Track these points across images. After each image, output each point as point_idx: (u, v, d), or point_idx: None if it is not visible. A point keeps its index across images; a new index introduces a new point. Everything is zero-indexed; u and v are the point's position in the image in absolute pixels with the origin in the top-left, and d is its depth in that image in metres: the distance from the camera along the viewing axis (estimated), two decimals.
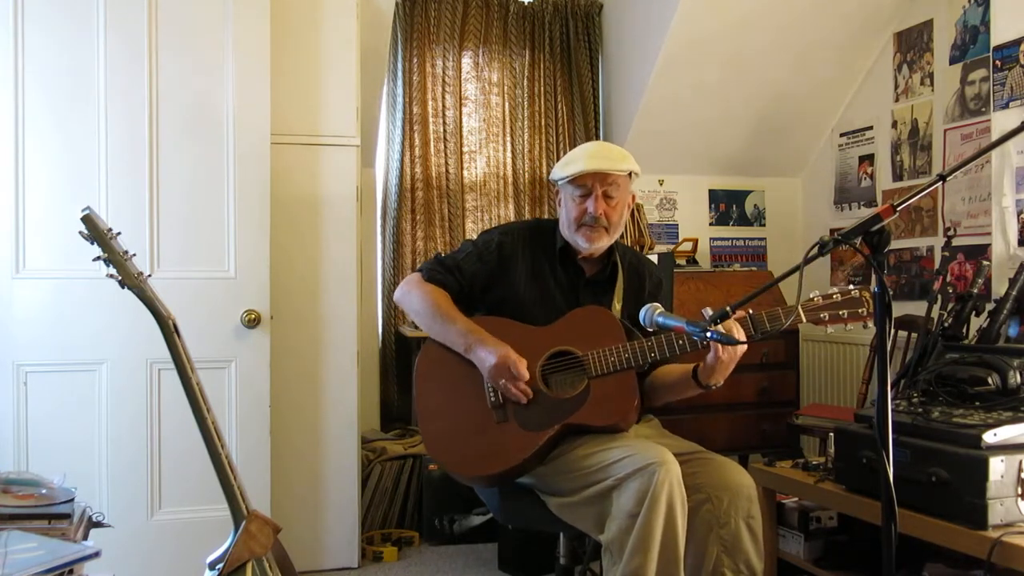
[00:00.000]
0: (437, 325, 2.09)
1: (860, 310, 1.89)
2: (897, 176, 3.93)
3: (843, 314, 1.88)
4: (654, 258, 3.47)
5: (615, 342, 2.01)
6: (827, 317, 1.89)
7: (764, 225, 4.62)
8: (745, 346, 1.86)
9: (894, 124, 3.94)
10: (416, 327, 3.57)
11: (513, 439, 1.97)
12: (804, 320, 1.89)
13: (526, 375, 1.98)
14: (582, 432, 1.99)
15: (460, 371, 2.06)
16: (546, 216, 4.29)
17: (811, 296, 1.92)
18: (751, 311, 1.89)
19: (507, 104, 4.31)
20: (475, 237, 2.29)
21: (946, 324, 2.58)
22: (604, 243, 2.13)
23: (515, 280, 2.16)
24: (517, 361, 1.97)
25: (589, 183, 2.08)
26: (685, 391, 2.08)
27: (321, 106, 3.25)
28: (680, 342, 1.94)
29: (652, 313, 1.78)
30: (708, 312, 1.78)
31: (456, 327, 2.05)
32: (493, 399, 2.02)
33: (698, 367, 2.00)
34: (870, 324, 1.81)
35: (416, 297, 2.13)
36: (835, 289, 1.92)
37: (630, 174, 2.14)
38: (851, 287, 1.91)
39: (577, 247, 2.15)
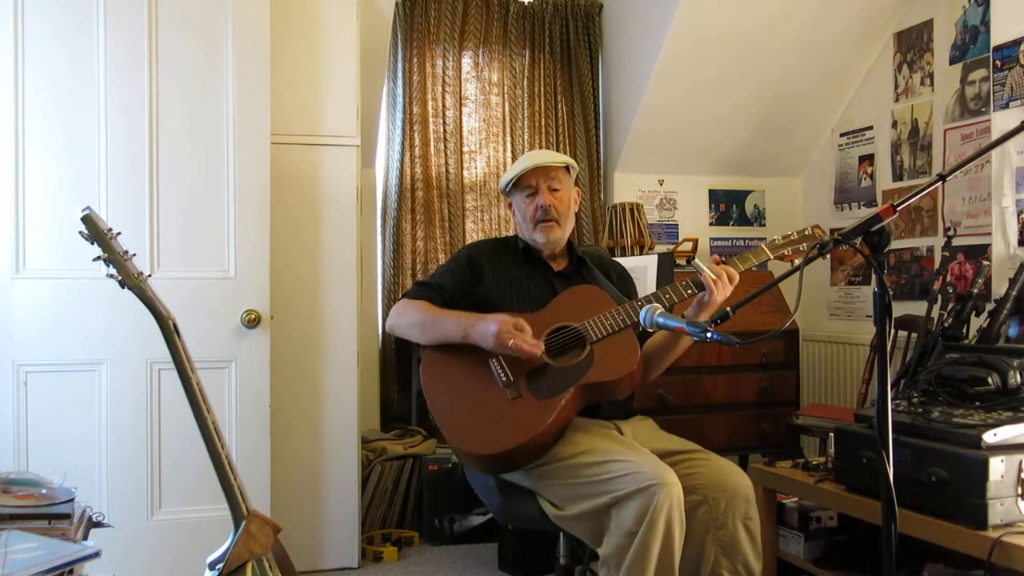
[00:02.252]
0: (431, 327, 2.14)
1: (816, 243, 2.01)
2: (897, 176, 3.93)
3: (802, 247, 2.10)
4: (654, 258, 3.48)
5: (607, 309, 2.08)
6: (790, 252, 2.11)
7: (764, 225, 4.62)
8: (732, 285, 2.04)
9: (894, 124, 3.94)
10: None
11: (531, 409, 1.99)
12: (771, 257, 2.11)
13: (528, 328, 2.02)
14: (598, 393, 2.05)
15: (464, 366, 2.09)
16: None
17: (772, 238, 2.16)
18: (724, 257, 2.07)
19: (507, 104, 4.31)
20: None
21: (946, 324, 2.58)
22: (558, 234, 2.26)
23: (489, 286, 2.25)
24: (518, 319, 2.02)
25: (533, 181, 2.25)
26: (678, 343, 2.17)
27: (321, 106, 3.25)
28: (667, 296, 2.06)
29: (652, 314, 1.78)
30: (698, 263, 2.03)
31: (449, 320, 2.12)
32: (504, 379, 2.04)
33: (683, 315, 2.08)
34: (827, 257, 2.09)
35: (407, 314, 2.20)
36: (791, 231, 2.16)
37: (568, 169, 2.29)
38: (805, 227, 2.16)
39: (536, 245, 2.28)
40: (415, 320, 2.17)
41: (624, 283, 2.40)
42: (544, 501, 2.01)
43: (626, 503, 1.81)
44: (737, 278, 2.04)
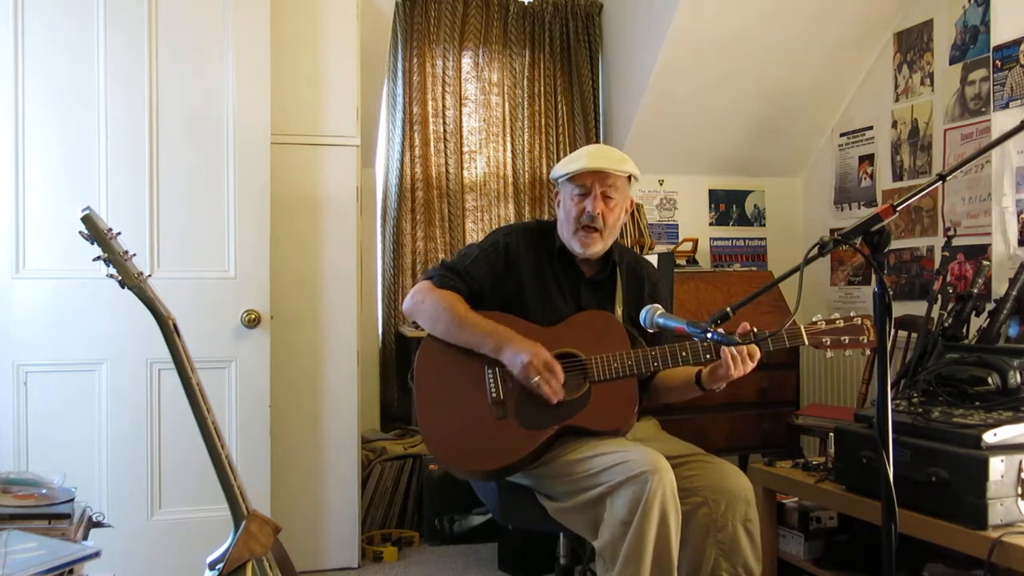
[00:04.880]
0: (456, 330, 2.06)
1: (861, 337, 1.94)
2: (897, 176, 3.93)
3: (844, 340, 1.95)
4: (654, 258, 3.47)
5: (619, 348, 2.02)
6: (828, 342, 1.95)
7: (764, 225, 4.63)
8: (754, 363, 1.92)
9: (894, 124, 3.94)
10: (417, 327, 3.57)
11: (512, 436, 1.98)
12: (807, 343, 1.95)
13: (561, 374, 1.97)
14: (579, 434, 1.99)
15: (460, 367, 2.06)
16: (546, 217, 4.29)
17: (814, 320, 1.99)
18: (755, 329, 1.91)
19: (507, 104, 4.32)
20: (478, 241, 2.30)
21: (946, 324, 2.58)
22: (598, 248, 2.14)
23: (520, 281, 2.16)
24: (551, 359, 1.97)
25: (588, 182, 2.10)
26: (687, 394, 2.12)
27: (321, 106, 3.25)
28: (683, 354, 1.98)
29: (653, 314, 1.78)
30: (727, 342, 1.73)
31: (480, 329, 2.04)
32: (494, 395, 2.01)
33: (700, 372, 2.03)
34: (868, 352, 1.85)
35: (431, 304, 2.10)
36: (837, 315, 1.98)
37: (629, 178, 2.15)
38: (854, 314, 1.97)
39: (572, 251, 2.16)
40: (439, 315, 2.08)
41: (656, 291, 2.28)
42: (541, 496, 2.02)
43: (619, 492, 1.81)
44: (758, 356, 1.93)
